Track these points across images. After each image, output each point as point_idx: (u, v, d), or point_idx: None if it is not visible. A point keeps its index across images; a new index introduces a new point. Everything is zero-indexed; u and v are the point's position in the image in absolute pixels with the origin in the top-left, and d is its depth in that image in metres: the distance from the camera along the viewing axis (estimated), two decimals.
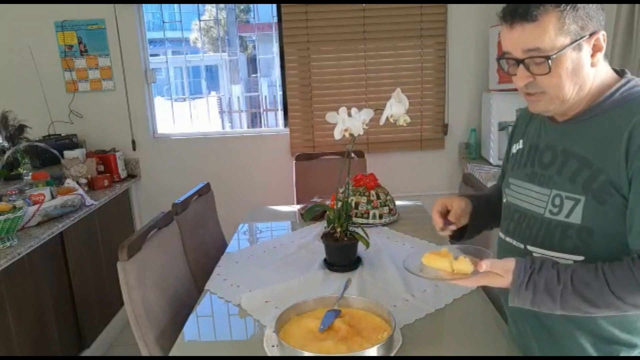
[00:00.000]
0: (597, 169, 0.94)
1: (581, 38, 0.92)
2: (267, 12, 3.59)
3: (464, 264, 1.04)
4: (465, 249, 1.12)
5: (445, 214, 1.24)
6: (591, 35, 0.93)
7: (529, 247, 1.06)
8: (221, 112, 5.99)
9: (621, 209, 0.93)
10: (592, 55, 0.95)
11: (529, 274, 0.95)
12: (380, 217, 2.15)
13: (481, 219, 1.26)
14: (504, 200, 1.19)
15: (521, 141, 1.17)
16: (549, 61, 0.92)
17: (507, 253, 1.11)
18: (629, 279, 0.88)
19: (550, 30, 0.92)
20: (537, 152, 1.09)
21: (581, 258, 0.97)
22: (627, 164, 0.91)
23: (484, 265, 0.98)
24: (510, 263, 0.98)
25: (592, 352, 1.02)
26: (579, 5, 0.92)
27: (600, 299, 0.89)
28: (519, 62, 0.97)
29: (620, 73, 1.02)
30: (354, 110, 1.54)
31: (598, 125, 0.98)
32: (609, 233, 0.95)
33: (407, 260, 1.13)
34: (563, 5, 0.91)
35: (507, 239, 1.14)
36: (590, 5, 0.93)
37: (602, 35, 0.94)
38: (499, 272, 0.98)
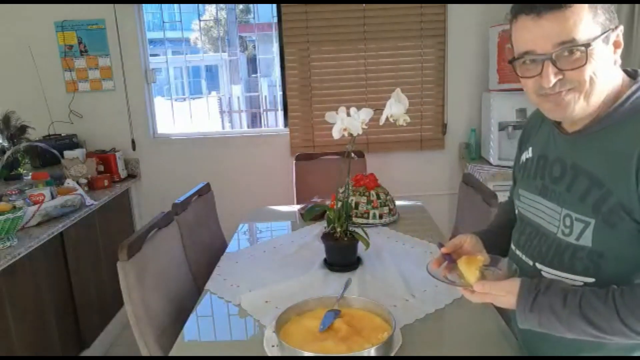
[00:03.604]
0: (607, 191, 0.88)
1: (609, 30, 0.86)
2: (267, 12, 3.59)
3: (472, 276, 1.02)
4: (496, 260, 1.11)
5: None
6: (615, 29, 0.87)
7: (538, 265, 1.02)
8: (221, 112, 6.00)
9: (633, 233, 0.87)
10: (614, 53, 0.89)
11: (534, 295, 0.92)
12: (380, 217, 2.15)
13: (499, 250, 1.19)
14: (517, 211, 1.15)
15: (530, 149, 1.11)
16: (588, 50, 0.84)
17: (518, 267, 1.08)
18: (639, 307, 0.84)
19: (585, 18, 0.84)
20: (546, 164, 1.03)
21: (592, 280, 0.93)
22: (638, 185, 0.85)
23: (479, 286, 0.97)
24: (513, 285, 0.95)
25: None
26: None
27: (607, 326, 0.86)
28: (545, 59, 0.87)
29: (632, 75, 0.94)
30: (353, 110, 1.54)
31: (608, 139, 0.91)
32: (620, 256, 0.90)
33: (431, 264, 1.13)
34: None
35: (517, 252, 1.10)
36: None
37: (620, 31, 0.88)
38: (501, 293, 0.96)
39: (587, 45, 0.84)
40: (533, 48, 0.88)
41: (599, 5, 0.85)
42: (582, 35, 0.84)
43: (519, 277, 0.97)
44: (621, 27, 0.88)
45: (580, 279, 0.94)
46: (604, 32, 0.86)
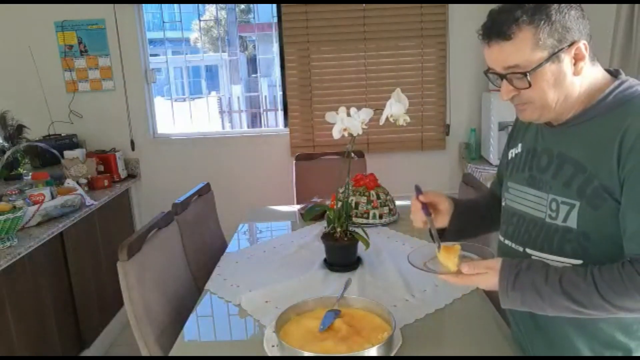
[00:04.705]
0: (591, 174, 0.95)
1: (559, 50, 0.93)
2: (267, 12, 3.60)
3: (451, 263, 1.07)
4: (469, 247, 1.14)
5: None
6: (570, 45, 0.93)
7: (528, 251, 1.06)
8: (221, 112, 6.01)
9: (615, 213, 0.93)
10: (574, 65, 0.95)
11: (515, 273, 0.96)
12: (380, 217, 2.15)
13: (462, 224, 1.24)
14: (503, 204, 1.19)
15: (520, 145, 1.17)
16: (528, 76, 0.94)
17: (507, 256, 1.11)
18: (618, 282, 0.88)
19: (526, 47, 0.93)
20: (534, 156, 1.09)
21: (579, 262, 0.97)
22: (619, 167, 0.91)
23: (465, 268, 1.01)
24: (495, 262, 0.99)
25: (587, 354, 1.02)
26: (554, 18, 0.91)
27: (588, 301, 0.90)
28: (501, 77, 0.98)
29: (614, 74, 1.01)
30: (353, 110, 1.54)
31: (592, 129, 0.98)
32: (605, 237, 0.95)
33: (413, 253, 1.17)
34: (537, 20, 0.91)
35: (506, 241, 1.14)
36: (567, 16, 0.92)
37: (582, 45, 0.94)
38: (482, 270, 1.00)
39: (526, 72, 0.94)
40: (492, 67, 1.00)
41: (545, 31, 0.92)
42: (524, 61, 0.94)
43: (500, 257, 1.01)
44: (583, 42, 0.94)
45: (569, 262, 0.99)
46: (553, 54, 0.93)
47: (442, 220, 1.22)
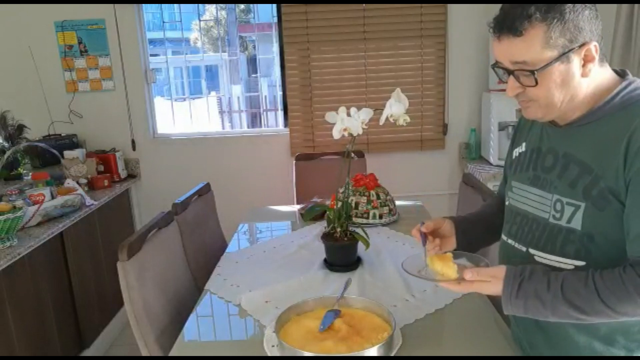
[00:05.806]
0: (597, 176, 0.94)
1: (569, 50, 0.91)
2: (267, 12, 3.60)
3: (451, 270, 1.07)
4: (462, 256, 1.15)
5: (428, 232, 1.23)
6: (581, 46, 0.92)
7: (531, 250, 1.06)
8: (221, 112, 6.00)
9: (620, 215, 0.92)
10: (583, 66, 0.94)
11: (519, 281, 0.96)
12: (380, 217, 2.15)
13: (469, 240, 1.25)
14: (507, 203, 1.18)
15: (524, 144, 1.16)
16: (535, 74, 0.93)
17: (509, 255, 1.12)
18: (619, 287, 0.87)
19: (536, 45, 0.91)
20: (539, 156, 1.08)
21: (582, 263, 0.97)
22: (625, 169, 0.90)
23: (468, 274, 1.00)
24: (499, 270, 0.99)
25: (588, 353, 1.02)
26: (567, 17, 0.90)
27: (589, 307, 0.90)
28: (509, 72, 0.97)
29: (621, 74, 1.01)
30: (353, 110, 1.54)
31: (598, 130, 0.97)
32: (609, 239, 0.94)
33: (407, 261, 1.17)
34: (550, 18, 0.90)
35: (509, 241, 1.14)
36: (581, 16, 0.90)
37: (593, 46, 0.92)
38: (486, 278, 1.00)
39: (533, 71, 0.93)
40: (500, 61, 0.99)
41: (556, 29, 0.90)
42: (533, 59, 0.93)
43: (503, 265, 1.01)
44: (594, 43, 0.93)
45: (571, 262, 0.98)
46: (563, 54, 0.92)
47: (450, 242, 1.23)
